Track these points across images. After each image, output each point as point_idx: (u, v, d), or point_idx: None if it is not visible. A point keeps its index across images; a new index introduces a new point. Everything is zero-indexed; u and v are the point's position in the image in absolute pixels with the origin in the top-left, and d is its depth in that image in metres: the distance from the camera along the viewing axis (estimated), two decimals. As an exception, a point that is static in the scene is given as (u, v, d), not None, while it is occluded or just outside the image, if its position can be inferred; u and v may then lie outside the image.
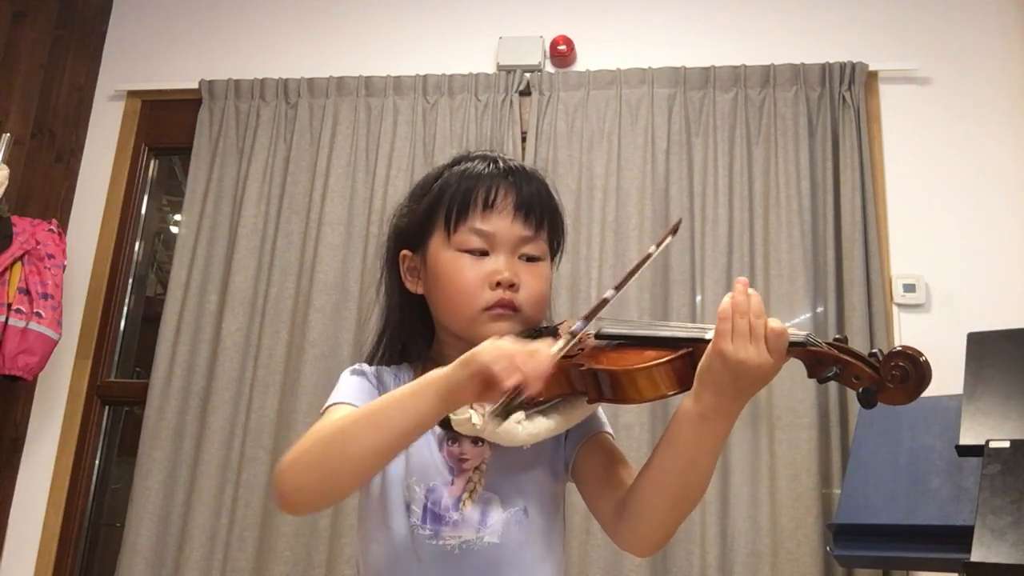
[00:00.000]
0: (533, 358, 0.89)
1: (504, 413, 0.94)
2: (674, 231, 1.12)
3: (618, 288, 1.03)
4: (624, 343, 1.03)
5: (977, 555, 1.44)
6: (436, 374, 0.94)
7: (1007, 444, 1.62)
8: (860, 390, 0.91)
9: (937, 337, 2.60)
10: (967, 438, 1.73)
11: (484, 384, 0.90)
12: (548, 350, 0.92)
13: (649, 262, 1.06)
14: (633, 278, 1.06)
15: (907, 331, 2.66)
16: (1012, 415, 1.75)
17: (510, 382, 0.88)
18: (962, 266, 2.73)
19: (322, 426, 1.02)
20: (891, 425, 2.05)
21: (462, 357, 0.92)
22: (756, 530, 2.49)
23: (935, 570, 1.99)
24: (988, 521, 1.48)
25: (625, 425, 2.54)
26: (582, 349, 1.05)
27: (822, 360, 0.92)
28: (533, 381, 0.89)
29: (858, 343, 2.54)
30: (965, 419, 1.77)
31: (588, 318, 1.00)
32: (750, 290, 0.94)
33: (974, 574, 1.44)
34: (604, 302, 1.01)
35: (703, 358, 0.95)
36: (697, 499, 1.04)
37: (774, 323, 0.93)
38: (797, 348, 0.93)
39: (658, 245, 1.07)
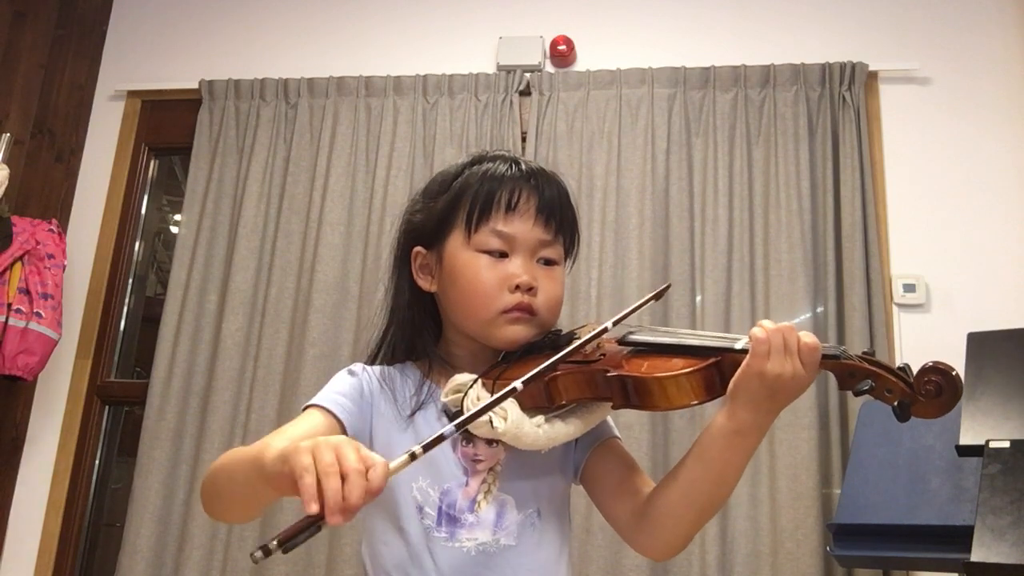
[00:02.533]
0: (351, 480, 0.78)
1: (282, 547, 0.76)
2: (657, 297, 1.11)
3: (562, 357, 1.00)
4: (648, 350, 1.03)
5: (977, 555, 1.44)
6: (268, 453, 0.89)
7: (1007, 444, 1.62)
8: (895, 403, 0.93)
9: (937, 337, 2.61)
10: (967, 438, 1.73)
11: (292, 488, 0.81)
12: (378, 471, 0.79)
13: (618, 322, 1.04)
14: (597, 339, 1.04)
15: (907, 331, 2.66)
16: (1012, 415, 1.74)
17: (309, 507, 0.77)
18: (962, 266, 2.72)
19: (235, 449, 1.01)
20: (891, 425, 2.04)
21: (288, 447, 0.84)
22: (756, 530, 2.49)
23: (935, 570, 1.99)
24: (988, 521, 1.48)
25: (625, 425, 2.54)
26: (603, 355, 1.05)
27: (855, 373, 0.94)
28: (335, 513, 0.77)
29: (858, 343, 2.54)
30: (965, 419, 1.77)
31: (494, 400, 0.94)
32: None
33: (974, 574, 1.43)
34: (538, 373, 0.97)
35: (737, 376, 0.96)
36: (719, 508, 1.09)
37: (807, 337, 0.95)
38: (831, 361, 0.95)
39: (620, 319, 1.04)
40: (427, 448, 0.84)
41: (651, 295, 1.10)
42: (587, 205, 2.83)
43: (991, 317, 2.49)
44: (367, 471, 0.79)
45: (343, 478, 0.78)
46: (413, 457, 0.83)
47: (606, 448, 1.16)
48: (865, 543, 1.90)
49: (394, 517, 1.09)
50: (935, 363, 0.92)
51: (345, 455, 0.79)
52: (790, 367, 0.94)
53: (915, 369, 0.94)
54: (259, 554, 0.76)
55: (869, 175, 2.77)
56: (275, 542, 0.76)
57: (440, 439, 0.86)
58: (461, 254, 1.13)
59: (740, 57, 2.95)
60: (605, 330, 1.03)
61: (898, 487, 1.92)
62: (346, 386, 1.13)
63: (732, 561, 2.48)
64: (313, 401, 1.10)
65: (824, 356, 0.95)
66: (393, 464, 0.82)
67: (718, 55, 2.97)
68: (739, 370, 0.96)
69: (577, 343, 1.02)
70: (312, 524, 0.77)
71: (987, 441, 1.65)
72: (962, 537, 1.56)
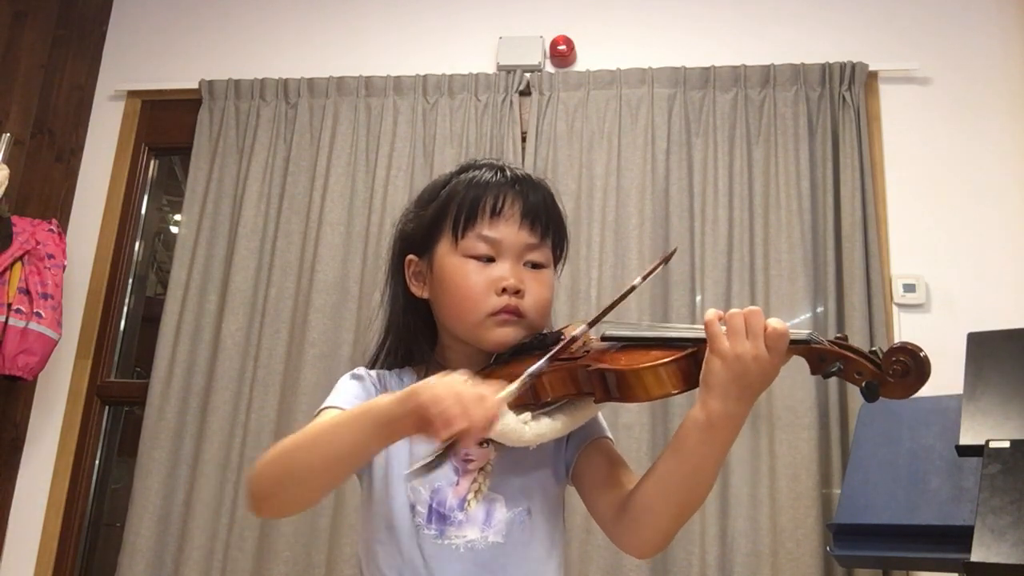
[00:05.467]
0: (477, 406, 0.88)
1: (429, 468, 0.91)
2: (666, 260, 1.16)
3: (591, 324, 1.07)
4: (629, 344, 1.06)
5: (977, 555, 1.44)
6: (380, 401, 0.95)
7: (1007, 444, 1.62)
8: (863, 384, 0.93)
9: (937, 337, 2.60)
10: (967, 438, 1.73)
11: (420, 424, 0.90)
12: (495, 397, 0.91)
13: (632, 292, 1.09)
14: (613, 309, 1.08)
15: (907, 331, 2.66)
16: (1012, 415, 1.74)
17: (444, 432, 0.87)
18: (962, 266, 2.72)
19: (291, 435, 1.03)
20: (891, 425, 2.05)
21: (406, 390, 0.92)
22: (756, 530, 2.49)
23: (935, 570, 1.99)
24: (988, 521, 1.48)
25: (625, 425, 2.54)
26: (588, 351, 1.07)
27: (825, 357, 0.95)
28: (470, 433, 0.88)
29: (858, 343, 2.51)
30: (965, 419, 1.76)
31: (554, 357, 1.02)
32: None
33: (974, 574, 1.44)
34: (572, 339, 1.05)
35: (704, 364, 0.97)
36: (698, 505, 1.06)
37: (775, 323, 0.95)
38: (800, 346, 0.96)
39: (644, 278, 1.11)
40: (532, 375, 0.99)
41: (660, 260, 1.15)
42: (587, 205, 2.83)
43: (991, 317, 2.48)
44: (484, 399, 0.89)
45: (465, 408, 0.87)
46: (523, 383, 0.98)
47: (595, 447, 1.18)
48: (865, 543, 1.90)
49: (388, 516, 1.11)
50: (903, 343, 0.93)
51: (462, 389, 0.89)
52: (751, 348, 0.94)
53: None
54: (411, 475, 0.97)
55: (869, 175, 2.77)
56: (417, 466, 0.95)
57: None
58: (449, 260, 1.16)
59: (740, 57, 2.95)
60: (633, 288, 1.09)
61: (898, 487, 1.91)
62: (357, 389, 1.17)
63: (732, 561, 2.48)
64: (328, 404, 1.13)
65: (793, 341, 0.95)
66: (504, 392, 0.93)
67: (718, 55, 2.97)
68: (705, 357, 0.97)
69: (626, 294, 1.08)
70: (450, 446, 0.90)
71: (987, 441, 1.65)
72: (962, 537, 1.56)
